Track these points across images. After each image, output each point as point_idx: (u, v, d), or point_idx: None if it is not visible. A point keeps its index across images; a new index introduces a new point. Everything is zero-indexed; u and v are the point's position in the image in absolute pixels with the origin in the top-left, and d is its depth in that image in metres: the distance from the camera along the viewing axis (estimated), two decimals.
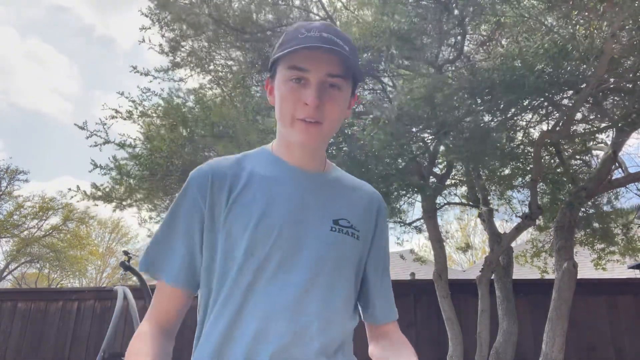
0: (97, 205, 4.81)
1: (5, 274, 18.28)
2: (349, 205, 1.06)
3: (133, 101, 4.70)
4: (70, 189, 4.63)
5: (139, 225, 6.31)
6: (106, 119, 4.64)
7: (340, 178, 1.12)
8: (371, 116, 3.34)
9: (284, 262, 0.95)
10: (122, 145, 4.62)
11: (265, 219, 0.97)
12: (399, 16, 3.36)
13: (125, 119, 4.72)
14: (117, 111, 4.69)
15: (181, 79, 5.08)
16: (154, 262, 1.02)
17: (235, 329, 0.93)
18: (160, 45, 4.74)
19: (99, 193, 4.69)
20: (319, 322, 0.94)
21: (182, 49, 4.78)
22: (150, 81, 4.83)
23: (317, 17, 4.87)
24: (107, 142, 4.57)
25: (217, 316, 0.95)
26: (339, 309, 0.98)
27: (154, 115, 4.70)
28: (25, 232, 17.42)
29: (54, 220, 17.86)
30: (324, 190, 1.06)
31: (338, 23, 4.54)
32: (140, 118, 4.73)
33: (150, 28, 4.62)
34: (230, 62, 5.07)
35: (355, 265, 1.04)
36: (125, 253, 4.44)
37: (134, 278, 4.54)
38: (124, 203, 4.83)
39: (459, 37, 3.92)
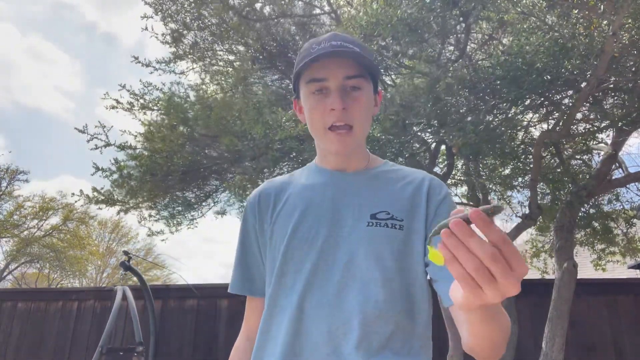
0: (101, 209, 4.84)
1: (5, 274, 18.29)
2: (391, 197, 1.05)
3: (134, 94, 4.69)
4: (73, 194, 4.67)
5: (138, 223, 6.36)
6: (107, 108, 4.64)
7: (386, 172, 1.12)
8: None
9: (321, 263, 0.99)
10: (122, 147, 4.62)
11: (301, 224, 1.04)
12: (406, 6, 3.38)
13: (125, 110, 4.71)
14: (117, 101, 4.68)
15: (182, 72, 5.07)
16: (236, 283, 1.17)
17: (278, 330, 1.00)
18: (163, 34, 4.74)
19: (101, 197, 4.71)
20: (359, 317, 0.94)
21: (185, 41, 4.78)
22: (151, 72, 4.81)
23: (322, 12, 4.88)
24: (107, 144, 4.57)
25: (265, 319, 1.04)
26: (383, 303, 0.95)
27: (154, 108, 4.69)
28: (25, 232, 17.43)
29: (54, 220, 17.88)
30: (363, 187, 1.08)
31: (345, 16, 4.53)
32: (141, 110, 4.71)
33: (152, 17, 4.61)
34: (232, 58, 5.07)
35: (401, 254, 0.99)
36: (126, 253, 4.44)
37: (134, 278, 4.54)
38: (127, 206, 4.84)
39: (461, 36, 3.92)
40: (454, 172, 5.43)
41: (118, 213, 4.87)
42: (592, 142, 5.06)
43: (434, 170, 5.10)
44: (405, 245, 1.00)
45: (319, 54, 1.01)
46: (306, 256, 1.00)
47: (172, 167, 4.48)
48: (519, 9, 3.23)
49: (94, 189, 4.71)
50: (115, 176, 4.63)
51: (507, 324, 0.87)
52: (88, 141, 4.53)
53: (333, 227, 1.02)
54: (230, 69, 4.99)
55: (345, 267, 0.98)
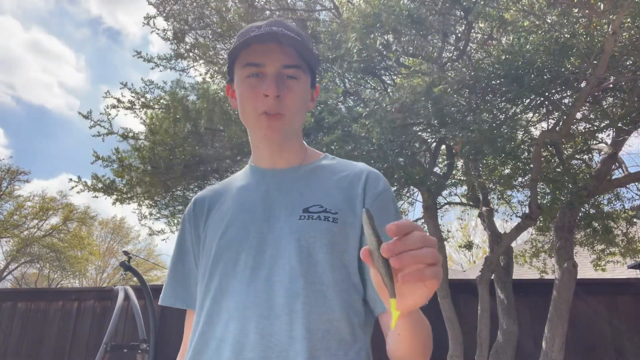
0: (97, 197, 4.70)
1: (5, 274, 18.29)
2: (326, 191, 1.00)
3: (136, 92, 4.65)
4: (71, 179, 4.54)
5: (139, 221, 6.34)
6: (108, 108, 4.59)
7: (322, 167, 1.08)
8: (370, 108, 3.35)
9: (250, 262, 0.94)
10: (125, 137, 4.55)
11: (232, 225, 1.00)
12: (407, 1, 3.39)
13: (127, 109, 4.67)
14: (119, 100, 4.63)
15: (183, 70, 5.06)
16: (167, 295, 1.11)
17: (204, 332, 0.94)
18: (164, 30, 4.72)
19: (100, 185, 4.62)
20: (288, 317, 0.88)
21: (186, 39, 4.77)
22: (152, 68, 4.78)
23: (323, 7, 4.89)
24: (110, 132, 4.47)
25: (195, 323, 0.98)
26: (314, 299, 0.89)
27: (155, 107, 4.66)
28: (25, 232, 17.44)
29: (54, 220, 17.89)
30: (297, 183, 1.03)
31: (345, 15, 4.54)
32: (142, 109, 4.67)
33: (155, 17, 4.60)
34: None
35: (336, 248, 0.94)
36: (126, 253, 4.44)
37: (134, 278, 4.54)
38: (124, 196, 4.76)
39: (461, 35, 3.92)
40: (454, 172, 5.43)
41: (114, 203, 4.80)
42: (592, 142, 5.06)
43: (434, 170, 5.10)
44: (341, 239, 0.95)
45: (258, 35, 0.97)
46: (236, 256, 0.96)
47: (174, 161, 4.45)
48: (519, 7, 3.23)
49: (94, 176, 4.60)
50: (116, 165, 4.57)
51: (428, 328, 0.88)
52: (91, 127, 4.44)
53: (264, 225, 0.97)
54: None
55: (276, 263, 0.92)
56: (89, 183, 4.62)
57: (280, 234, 0.95)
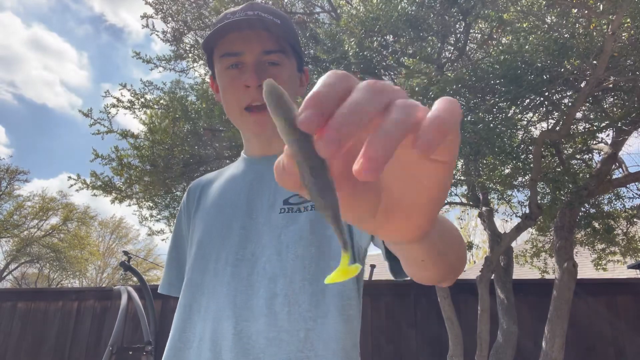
0: (96, 195, 4.70)
1: (5, 274, 18.30)
2: None
3: (135, 93, 4.65)
4: (70, 177, 4.54)
5: (139, 223, 6.32)
6: (108, 107, 4.59)
7: None
8: None
9: (231, 260, 0.91)
10: (124, 135, 4.56)
11: (217, 218, 0.98)
12: (406, 3, 3.38)
13: (126, 109, 4.67)
14: (119, 100, 4.63)
15: (183, 70, 5.06)
16: (164, 283, 1.11)
17: (185, 329, 0.91)
18: (164, 31, 4.72)
19: (99, 182, 4.62)
20: (266, 318, 0.84)
21: (185, 40, 4.77)
22: (152, 69, 4.77)
23: (322, 10, 4.89)
24: (110, 131, 4.47)
25: (176, 316, 0.95)
26: (295, 298, 0.84)
27: (155, 107, 4.66)
28: (26, 232, 17.45)
29: (54, 220, 17.90)
30: None
31: (344, 16, 4.55)
32: (141, 109, 4.68)
33: (152, 16, 4.60)
34: None
35: (320, 235, 0.89)
36: (125, 253, 4.45)
37: (134, 278, 4.55)
38: (123, 194, 4.76)
39: (460, 35, 3.92)
40: (454, 172, 5.42)
41: (112, 202, 4.79)
42: (592, 142, 5.06)
43: None
44: (322, 225, 0.89)
45: (232, 22, 0.90)
46: (217, 253, 0.93)
47: (173, 160, 4.46)
48: (518, 8, 3.23)
49: (93, 174, 4.59)
50: (114, 164, 4.57)
51: (456, 232, 0.62)
52: (91, 125, 4.45)
53: (247, 219, 0.94)
54: None
55: (256, 262, 0.89)
56: (88, 181, 4.62)
57: (262, 230, 0.92)
